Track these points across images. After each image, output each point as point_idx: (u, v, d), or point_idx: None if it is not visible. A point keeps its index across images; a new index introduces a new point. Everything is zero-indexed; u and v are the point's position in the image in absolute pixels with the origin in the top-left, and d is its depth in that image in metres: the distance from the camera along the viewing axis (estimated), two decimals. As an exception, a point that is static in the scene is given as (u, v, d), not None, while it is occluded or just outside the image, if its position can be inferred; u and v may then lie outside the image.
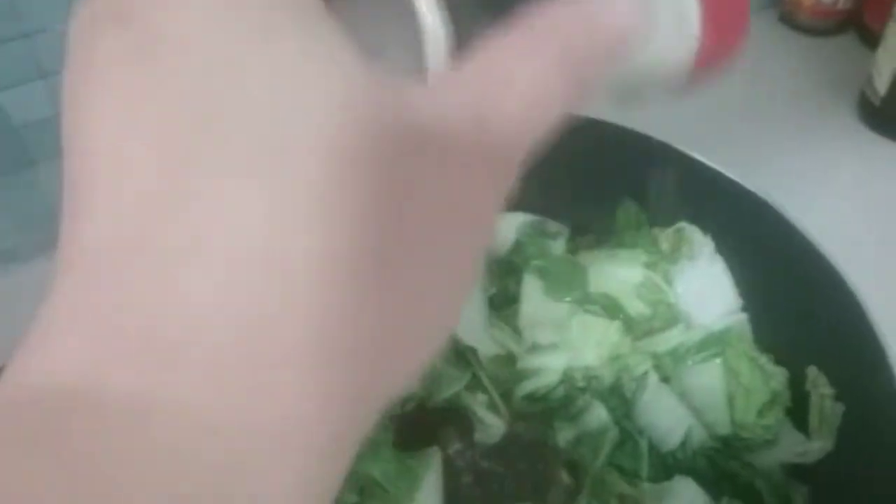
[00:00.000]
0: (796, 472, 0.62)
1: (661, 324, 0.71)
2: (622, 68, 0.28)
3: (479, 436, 0.66)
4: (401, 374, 0.22)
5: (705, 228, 0.71)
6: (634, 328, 0.70)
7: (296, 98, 0.18)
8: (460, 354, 0.68)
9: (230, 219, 0.17)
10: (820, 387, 0.62)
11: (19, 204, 0.87)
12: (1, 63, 0.74)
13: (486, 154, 0.22)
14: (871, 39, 1.06)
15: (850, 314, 0.59)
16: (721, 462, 0.62)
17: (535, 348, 0.69)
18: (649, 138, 0.71)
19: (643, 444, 0.63)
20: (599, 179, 0.75)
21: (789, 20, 1.16)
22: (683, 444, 0.63)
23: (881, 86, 0.99)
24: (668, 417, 0.64)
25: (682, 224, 0.72)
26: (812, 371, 0.63)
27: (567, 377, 0.67)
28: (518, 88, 0.22)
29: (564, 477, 0.64)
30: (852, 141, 1.02)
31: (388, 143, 0.19)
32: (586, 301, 0.71)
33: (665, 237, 0.73)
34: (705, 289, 0.71)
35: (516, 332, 0.70)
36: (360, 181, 0.18)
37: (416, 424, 0.67)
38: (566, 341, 0.68)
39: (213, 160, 0.18)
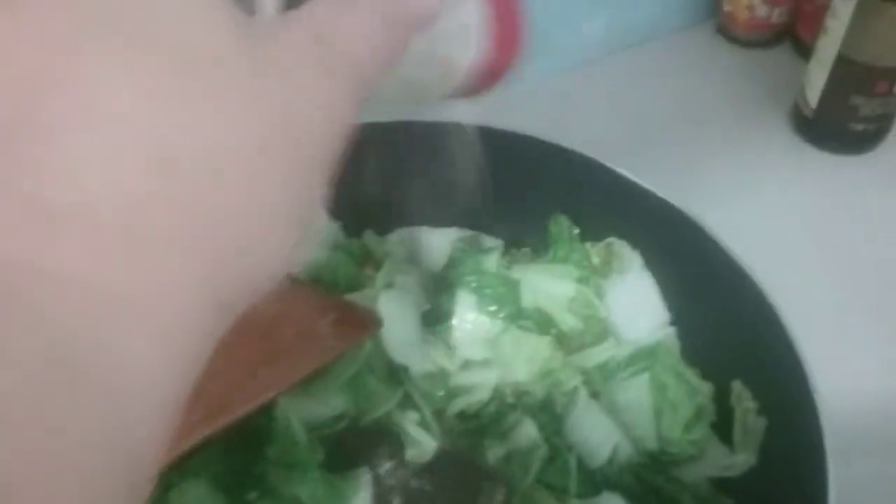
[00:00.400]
0: (722, 485, 0.63)
1: (592, 338, 0.71)
2: (408, 63, 0.30)
3: (410, 454, 0.66)
4: (263, 263, 0.25)
5: (634, 243, 0.72)
6: (566, 343, 0.71)
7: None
8: (392, 373, 0.68)
9: (115, 99, 0.19)
10: (744, 401, 0.63)
11: None
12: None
13: (327, 64, 0.26)
14: (805, 51, 1.08)
15: (771, 330, 0.60)
16: (648, 477, 0.63)
17: (467, 365, 0.69)
18: (578, 154, 0.71)
19: (572, 461, 0.63)
20: (532, 194, 0.75)
21: (725, 32, 1.18)
22: (611, 459, 0.64)
23: (812, 97, 1.01)
24: (596, 433, 0.65)
25: (612, 239, 0.73)
26: (736, 385, 0.64)
27: (498, 393, 0.67)
28: (345, 21, 0.27)
29: (495, 495, 0.64)
30: (785, 151, 1.04)
31: (250, 47, 0.23)
32: (519, 316, 0.71)
33: (596, 251, 0.74)
34: (635, 303, 0.72)
35: (449, 348, 0.70)
36: (229, 75, 0.22)
37: (347, 444, 0.66)
38: (498, 357, 0.68)
39: (96, 46, 0.19)
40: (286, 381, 0.60)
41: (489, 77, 0.39)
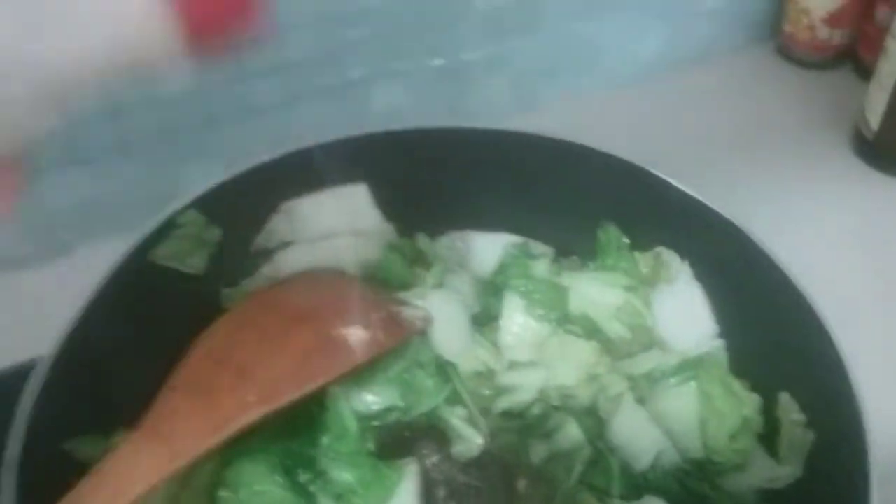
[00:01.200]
0: (766, 497, 0.63)
1: (638, 347, 0.72)
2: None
3: (456, 449, 0.67)
4: None
5: (683, 254, 0.73)
6: (612, 350, 0.72)
7: None
8: (440, 370, 0.69)
9: None
10: (791, 413, 0.63)
11: (27, 213, 0.89)
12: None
13: None
14: (865, 73, 1.08)
15: (821, 345, 0.60)
16: (691, 484, 0.63)
17: (513, 366, 0.70)
18: (630, 163, 0.72)
19: (615, 464, 0.64)
20: (582, 202, 0.76)
21: (785, 53, 1.18)
22: (655, 464, 0.64)
23: (874, 119, 1.01)
24: (641, 438, 0.65)
25: (661, 249, 0.74)
26: (784, 397, 0.64)
27: (543, 395, 0.68)
28: None
29: (537, 494, 0.65)
30: (844, 173, 1.03)
31: None
32: (566, 321, 0.72)
33: (645, 261, 0.74)
34: (683, 314, 0.72)
35: (497, 349, 0.71)
36: None
37: (395, 436, 0.68)
38: (544, 360, 0.69)
39: None
40: (336, 371, 0.62)
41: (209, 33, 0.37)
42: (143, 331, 0.66)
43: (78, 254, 0.94)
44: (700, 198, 0.69)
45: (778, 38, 1.18)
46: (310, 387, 0.60)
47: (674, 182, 0.70)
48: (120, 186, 0.92)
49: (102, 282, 0.64)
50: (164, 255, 0.69)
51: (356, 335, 0.65)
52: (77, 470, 0.55)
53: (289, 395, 0.59)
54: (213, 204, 0.71)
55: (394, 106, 0.99)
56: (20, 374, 0.58)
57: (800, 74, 1.16)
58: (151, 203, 0.70)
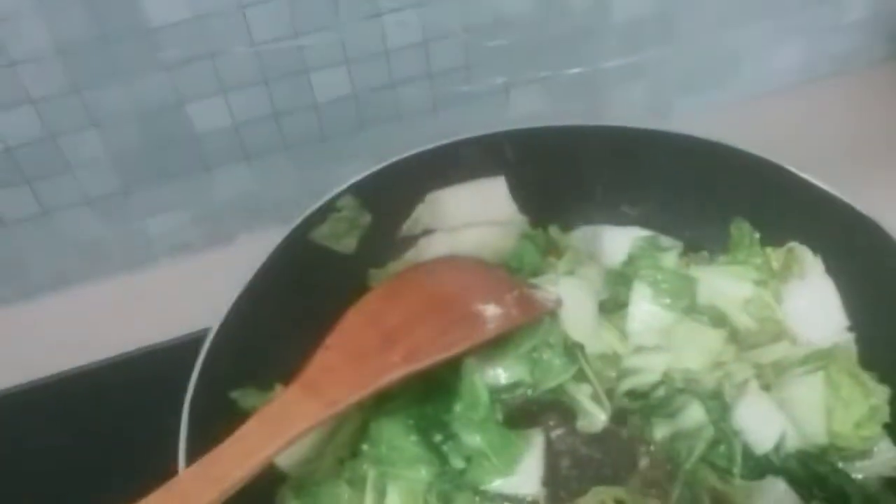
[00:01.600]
0: (890, 483, 0.63)
1: (767, 338, 0.73)
2: None
3: (581, 424, 0.71)
4: None
5: (816, 249, 0.73)
6: (740, 340, 0.73)
7: None
8: (568, 350, 0.73)
9: None
10: (921, 404, 0.63)
11: (197, 204, 1.00)
12: (188, 79, 0.88)
13: None
14: None
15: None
16: (814, 467, 0.63)
17: (639, 350, 0.73)
18: (763, 159, 0.74)
19: (737, 445, 0.65)
20: (714, 198, 0.79)
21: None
22: (777, 448, 0.65)
23: None
24: (764, 422, 0.66)
25: (793, 244, 0.75)
26: (914, 389, 0.64)
27: (668, 378, 0.71)
28: None
29: (659, 470, 0.68)
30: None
31: None
32: (694, 311, 0.74)
33: (776, 256, 0.76)
34: (814, 307, 0.73)
35: (623, 334, 0.75)
36: None
37: (523, 410, 0.72)
38: (670, 345, 0.72)
39: None
40: (473, 341, 0.68)
41: None
42: (299, 302, 0.75)
43: (239, 241, 1.04)
44: (834, 192, 0.70)
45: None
46: (449, 353, 0.66)
47: (807, 177, 0.72)
48: (279, 182, 1.01)
49: (268, 257, 0.73)
50: (322, 234, 0.77)
51: (492, 310, 0.70)
52: (242, 417, 0.63)
53: (430, 359, 0.65)
54: (367, 191, 0.79)
55: (532, 112, 1.04)
56: (196, 340, 0.68)
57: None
58: (306, 199, 0.78)
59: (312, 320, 0.71)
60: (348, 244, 0.79)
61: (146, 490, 0.53)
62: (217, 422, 0.61)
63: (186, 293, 0.96)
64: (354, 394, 0.61)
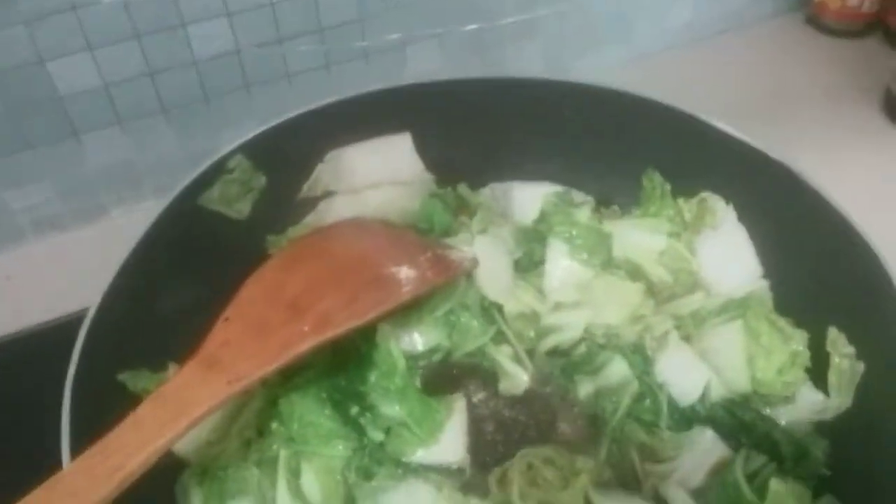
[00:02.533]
0: (816, 427, 0.63)
1: (682, 290, 0.72)
2: None
3: (503, 386, 0.68)
4: None
5: (728, 197, 0.73)
6: (656, 294, 0.72)
7: None
8: (486, 310, 0.70)
9: None
10: (840, 346, 0.63)
11: (63, 172, 0.90)
12: (50, 34, 0.79)
13: None
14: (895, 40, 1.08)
15: (873, 274, 0.60)
16: (741, 414, 0.63)
17: (558, 307, 0.70)
18: (671, 108, 0.73)
19: (662, 398, 0.64)
20: (624, 151, 0.77)
21: (815, 22, 1.18)
22: (703, 397, 0.64)
23: (906, 83, 1.00)
24: (688, 374, 0.65)
25: (706, 194, 0.74)
26: (832, 332, 0.64)
27: (588, 334, 0.69)
28: None
29: (585, 428, 0.65)
30: (875, 137, 1.03)
31: None
32: (610, 265, 0.72)
33: (688, 207, 0.75)
34: (727, 257, 0.72)
35: (540, 293, 0.72)
36: None
37: (442, 375, 0.69)
38: (589, 300, 0.70)
39: None
40: (387, 305, 0.63)
41: None
42: (190, 274, 0.68)
43: (114, 215, 0.95)
44: (744, 138, 0.69)
45: (808, 7, 1.18)
46: (362, 319, 0.61)
47: (718, 124, 0.71)
48: (157, 149, 0.93)
49: (152, 225, 0.65)
50: (211, 199, 0.70)
51: (406, 273, 0.66)
52: (133, 402, 0.56)
53: (343, 326, 0.60)
54: (260, 150, 0.72)
55: (428, 69, 1.00)
56: (73, 322, 0.60)
57: (829, 42, 1.16)
58: (188, 166, 0.71)
59: (208, 294, 0.64)
60: (241, 209, 0.73)
61: (27, 488, 0.45)
62: (106, 408, 0.54)
63: (60, 272, 0.87)
64: (261, 368, 0.56)
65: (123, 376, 0.60)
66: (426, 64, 1.00)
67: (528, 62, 1.07)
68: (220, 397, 0.53)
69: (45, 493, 0.46)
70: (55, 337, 0.58)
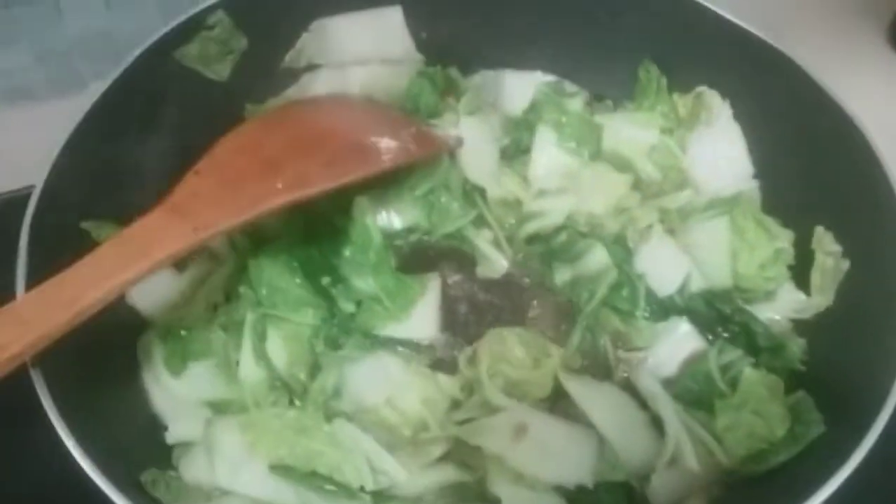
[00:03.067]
0: (796, 326, 0.62)
1: (670, 187, 0.70)
2: None
3: (481, 270, 0.66)
4: None
5: (725, 93, 0.70)
6: (643, 189, 0.70)
7: None
8: (467, 194, 0.68)
9: None
10: (826, 244, 0.62)
11: (42, 39, 0.86)
12: None
13: None
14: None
15: (870, 172, 0.59)
16: (719, 306, 0.62)
17: (541, 194, 0.68)
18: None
19: (641, 287, 0.63)
20: (620, 41, 0.73)
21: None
22: (682, 289, 0.63)
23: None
24: (668, 265, 0.64)
25: (703, 88, 0.71)
26: (818, 231, 0.62)
27: (571, 221, 0.67)
28: None
29: (559, 314, 0.64)
30: (880, 61, 1.00)
31: None
32: (599, 156, 0.70)
33: (684, 102, 0.72)
34: (719, 155, 0.70)
35: (524, 180, 0.70)
36: None
37: (419, 255, 0.67)
38: (574, 188, 0.68)
39: None
40: (366, 171, 0.60)
41: None
42: (159, 128, 0.65)
43: (92, 89, 0.91)
44: (750, 28, 0.67)
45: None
46: (337, 181, 0.58)
47: (720, 11, 0.68)
48: (137, 20, 0.88)
49: (124, 69, 0.62)
50: (189, 55, 0.67)
51: (387, 143, 0.63)
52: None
53: (317, 187, 0.57)
54: (243, 10, 0.69)
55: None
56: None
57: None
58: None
59: (178, 150, 0.62)
60: (220, 70, 0.69)
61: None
62: (65, 253, 0.52)
63: (34, 142, 0.83)
64: (228, 219, 0.53)
65: (87, 224, 0.58)
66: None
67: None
68: (184, 243, 0.51)
69: None
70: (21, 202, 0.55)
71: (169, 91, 0.65)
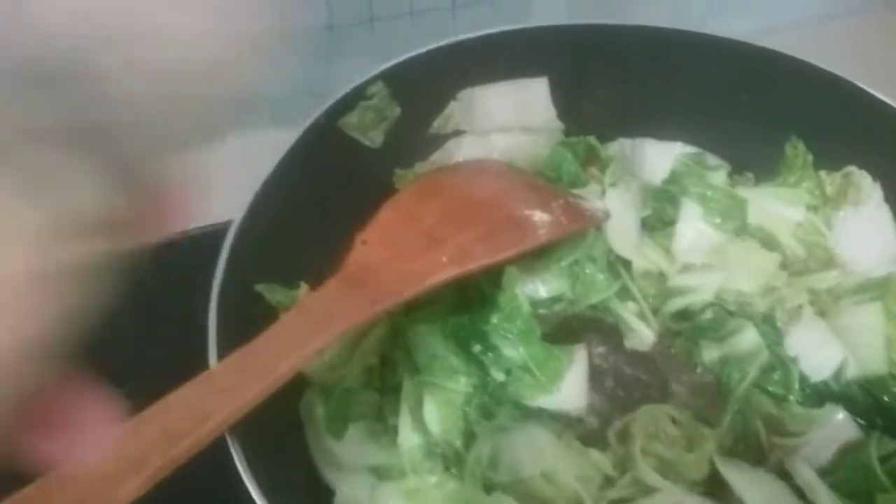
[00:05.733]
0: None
1: (815, 265, 0.70)
2: None
3: (628, 343, 0.67)
4: None
5: (875, 175, 0.70)
6: (787, 266, 0.70)
7: None
8: (612, 265, 0.69)
9: None
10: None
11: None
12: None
13: None
14: None
15: None
16: (876, 393, 0.61)
17: (687, 268, 0.69)
18: (824, 71, 0.69)
19: (794, 371, 0.62)
20: (766, 115, 0.74)
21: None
22: (837, 375, 0.62)
23: None
24: (821, 349, 0.63)
25: (852, 168, 0.71)
26: (978, 322, 0.61)
27: (718, 299, 0.67)
28: None
29: (709, 394, 0.64)
30: None
31: None
32: (744, 231, 0.70)
33: (831, 181, 0.72)
34: (867, 236, 0.70)
35: (668, 253, 0.70)
36: None
37: (563, 326, 0.68)
38: (721, 264, 0.68)
39: None
40: (523, 246, 0.62)
41: None
42: (322, 196, 0.67)
43: (228, 141, 0.95)
44: (901, 108, 0.66)
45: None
46: (498, 257, 0.60)
47: (870, 90, 0.67)
48: (276, 78, 0.92)
49: (297, 141, 0.65)
50: (350, 124, 0.70)
51: (540, 216, 0.65)
52: (270, 315, 0.57)
53: (479, 261, 0.59)
54: (399, 80, 0.71)
55: (556, 15, 0.97)
56: (221, 231, 0.60)
57: None
58: (304, 98, 0.70)
59: (336, 217, 0.64)
60: (375, 137, 0.72)
61: (176, 384, 0.46)
62: (246, 317, 0.55)
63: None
64: (402, 293, 0.56)
65: (260, 287, 0.61)
66: (551, 11, 0.97)
67: (654, 20, 1.03)
68: (363, 315, 0.53)
69: (196, 388, 0.46)
70: (200, 245, 0.58)
71: (330, 159, 0.68)
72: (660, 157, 0.76)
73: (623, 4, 1.01)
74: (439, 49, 0.72)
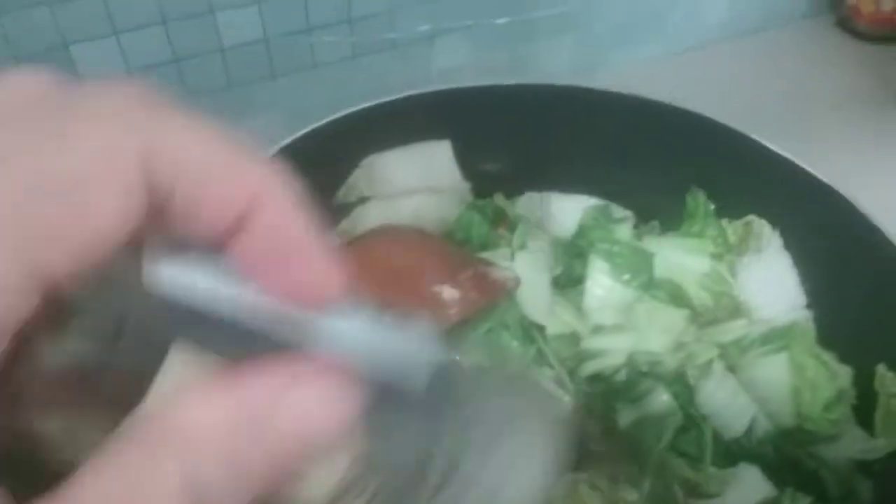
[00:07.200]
0: (860, 466, 0.63)
1: (723, 315, 0.71)
2: None
3: (542, 411, 0.67)
4: None
5: (774, 222, 0.71)
6: (697, 317, 0.71)
7: None
8: (525, 331, 0.69)
9: None
10: (889, 386, 0.62)
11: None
12: (74, 17, 0.75)
13: None
14: (929, 48, 1.06)
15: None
16: (787, 450, 0.62)
17: (598, 330, 0.69)
18: (721, 125, 0.71)
19: (707, 431, 0.63)
20: (667, 166, 0.75)
21: (847, 25, 1.15)
22: (749, 432, 0.63)
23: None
24: (732, 405, 0.64)
25: (751, 217, 0.72)
26: (880, 370, 0.63)
27: (631, 361, 0.67)
28: None
29: (627, 459, 0.64)
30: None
31: None
32: (651, 286, 0.71)
33: (733, 229, 0.73)
34: (770, 283, 0.71)
35: (580, 311, 0.70)
36: None
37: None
38: (631, 325, 0.68)
39: None
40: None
41: None
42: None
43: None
44: (795, 160, 0.68)
45: (840, 9, 1.15)
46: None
47: (769, 144, 0.69)
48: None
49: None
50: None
51: (450, 294, 0.64)
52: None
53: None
54: (297, 155, 0.69)
55: (456, 63, 0.97)
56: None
57: (861, 47, 1.14)
58: None
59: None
60: (281, 214, 0.70)
61: None
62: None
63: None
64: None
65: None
66: (454, 57, 0.97)
67: (559, 57, 1.04)
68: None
69: None
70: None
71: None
72: (567, 210, 0.76)
73: (527, 42, 1.02)
74: (337, 120, 0.71)
